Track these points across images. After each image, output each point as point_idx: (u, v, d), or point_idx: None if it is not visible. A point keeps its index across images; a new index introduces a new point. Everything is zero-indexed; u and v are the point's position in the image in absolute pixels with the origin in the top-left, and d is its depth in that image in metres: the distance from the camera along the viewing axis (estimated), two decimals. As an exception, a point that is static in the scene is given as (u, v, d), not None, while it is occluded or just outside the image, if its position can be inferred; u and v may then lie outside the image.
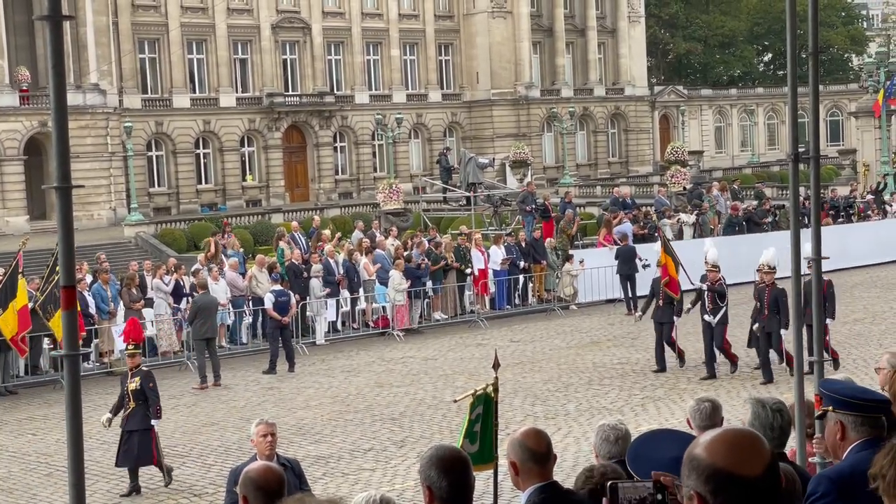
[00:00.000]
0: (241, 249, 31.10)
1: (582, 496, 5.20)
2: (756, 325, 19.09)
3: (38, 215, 50.81)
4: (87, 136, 51.22)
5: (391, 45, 67.36)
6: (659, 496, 3.10)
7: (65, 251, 4.01)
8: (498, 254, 29.12)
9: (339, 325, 26.82)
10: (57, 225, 4.04)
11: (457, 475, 4.49)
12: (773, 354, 19.05)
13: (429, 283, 27.63)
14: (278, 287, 23.54)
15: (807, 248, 21.36)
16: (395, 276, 26.25)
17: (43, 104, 48.96)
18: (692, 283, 20.91)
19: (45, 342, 22.67)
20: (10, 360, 22.03)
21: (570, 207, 36.85)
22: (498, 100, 69.92)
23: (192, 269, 25.96)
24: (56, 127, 4.03)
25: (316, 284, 25.86)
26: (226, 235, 31.13)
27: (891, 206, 40.40)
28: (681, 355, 20.46)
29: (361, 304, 27.25)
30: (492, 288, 28.82)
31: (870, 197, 41.33)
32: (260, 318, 25.06)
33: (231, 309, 25.10)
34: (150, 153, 58.54)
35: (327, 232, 32.62)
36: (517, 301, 29.51)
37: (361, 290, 27.17)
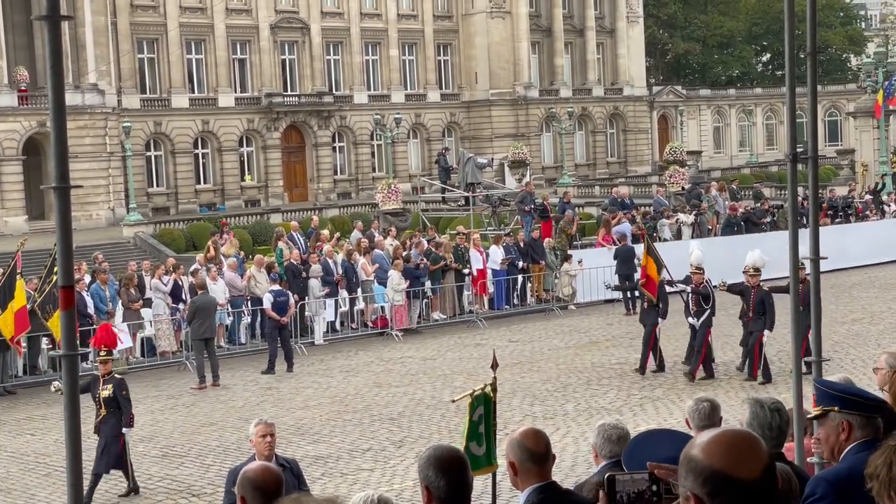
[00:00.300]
0: (242, 253, 31.06)
1: (581, 497, 5.20)
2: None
3: (36, 215, 50.79)
4: (86, 136, 51.19)
5: (390, 45, 67.35)
6: (654, 487, 3.10)
7: (63, 251, 4.01)
8: (498, 254, 29.11)
9: (337, 326, 26.81)
10: (55, 225, 4.04)
11: (455, 475, 4.49)
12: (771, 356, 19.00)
13: (427, 284, 27.63)
14: (277, 287, 23.54)
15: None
16: (394, 276, 26.25)
17: (41, 104, 48.90)
18: (675, 286, 20.84)
19: (44, 342, 22.66)
20: (8, 360, 22.03)
21: (570, 207, 36.86)
22: (496, 100, 69.92)
23: (191, 269, 25.95)
24: (54, 127, 4.03)
25: (315, 284, 25.85)
26: (223, 236, 31.12)
27: (889, 206, 40.42)
28: (661, 362, 20.10)
29: (360, 305, 27.24)
30: (490, 288, 28.82)
31: (868, 197, 41.35)
32: (258, 319, 25.06)
33: (230, 309, 25.10)
34: (148, 153, 58.51)
35: (326, 232, 32.61)
36: (516, 301, 29.52)
37: (360, 291, 27.17)
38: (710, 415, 6.40)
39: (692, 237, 33.94)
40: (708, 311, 19.21)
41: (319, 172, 64.13)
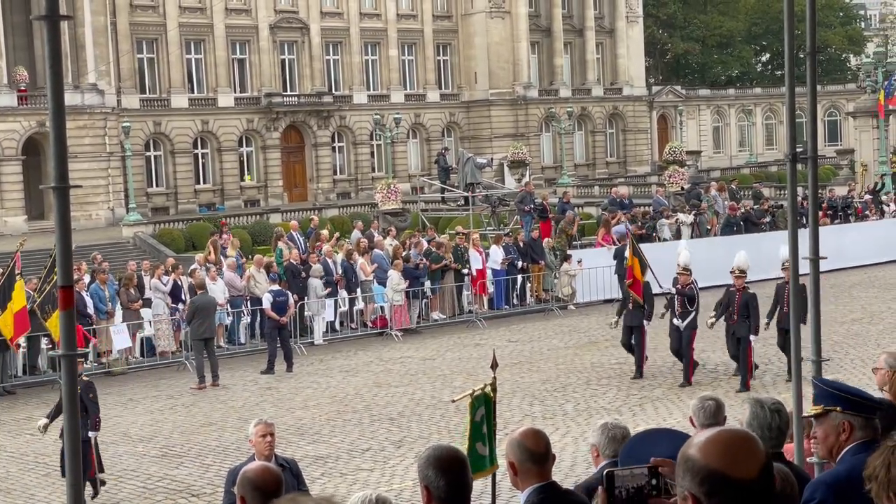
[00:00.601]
0: (242, 260, 31.03)
1: (581, 496, 5.20)
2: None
3: (36, 215, 50.79)
4: (86, 136, 51.19)
5: (389, 45, 67.35)
6: (654, 481, 3.09)
7: (62, 251, 4.01)
8: (498, 253, 29.11)
9: (337, 326, 26.81)
10: (55, 225, 4.04)
11: (454, 475, 4.49)
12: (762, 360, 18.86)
13: (427, 284, 27.63)
14: (276, 287, 23.54)
15: (784, 251, 21.08)
16: (394, 276, 26.25)
17: (41, 104, 48.88)
18: (661, 287, 20.76)
19: (43, 342, 22.65)
20: (7, 360, 22.03)
21: (569, 208, 36.86)
22: (496, 100, 69.91)
23: (190, 269, 25.95)
24: (54, 127, 4.03)
25: (317, 284, 25.83)
26: (224, 235, 31.13)
27: (888, 205, 40.42)
28: (641, 369, 19.82)
29: (359, 304, 27.24)
30: (490, 288, 28.81)
31: (867, 197, 41.36)
32: (258, 319, 25.05)
33: (229, 309, 25.09)
34: (148, 153, 58.51)
35: (325, 232, 32.60)
36: (515, 301, 29.51)
37: (359, 291, 27.16)
38: (715, 413, 6.39)
39: (691, 237, 33.94)
40: (693, 313, 18.92)
41: (319, 172, 64.13)
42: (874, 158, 49.81)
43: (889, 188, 45.38)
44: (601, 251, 30.53)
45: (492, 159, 52.30)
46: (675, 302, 19.19)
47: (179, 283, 25.22)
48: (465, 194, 41.02)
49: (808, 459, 5.95)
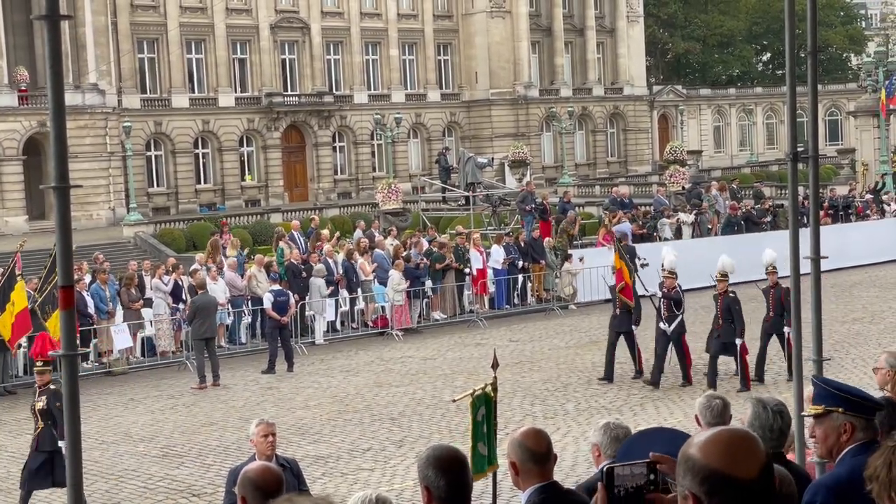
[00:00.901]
0: (245, 250, 31.09)
1: (582, 496, 5.19)
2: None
3: (37, 215, 50.78)
4: (86, 136, 51.19)
5: (390, 44, 67.35)
6: (652, 476, 3.07)
7: (63, 251, 4.00)
8: (499, 253, 29.11)
9: (338, 325, 26.81)
10: (55, 225, 4.03)
11: (454, 475, 4.49)
12: (756, 363, 18.71)
13: (428, 283, 27.63)
14: (277, 287, 23.53)
15: (770, 255, 20.95)
16: (395, 276, 26.25)
17: (42, 104, 48.87)
18: (646, 291, 20.71)
19: (44, 342, 22.63)
20: (8, 359, 22.03)
21: (570, 207, 36.86)
22: (497, 99, 69.92)
23: (191, 268, 25.95)
24: (54, 127, 4.03)
25: (320, 283, 25.83)
26: (223, 236, 31.13)
27: (889, 205, 40.41)
28: (640, 367, 19.69)
29: (360, 304, 27.24)
30: (491, 288, 28.81)
31: (868, 196, 41.34)
32: (259, 318, 25.06)
33: (230, 309, 25.10)
34: (149, 153, 58.52)
35: (326, 232, 32.60)
36: (516, 301, 29.51)
37: (360, 290, 27.17)
38: (722, 412, 6.38)
39: (692, 237, 33.97)
40: (680, 316, 18.78)
41: (320, 172, 64.13)
42: (875, 158, 49.78)
43: (890, 188, 45.35)
44: (602, 251, 30.51)
45: (492, 159, 52.34)
46: (662, 306, 19.05)
47: (180, 282, 25.22)
48: (466, 194, 41.05)
49: (808, 459, 5.95)
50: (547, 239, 30.95)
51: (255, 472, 5.44)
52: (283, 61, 63.51)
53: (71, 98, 47.28)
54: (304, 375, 22.01)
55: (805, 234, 7.77)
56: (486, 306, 28.75)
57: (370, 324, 27.11)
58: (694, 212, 35.57)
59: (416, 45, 69.02)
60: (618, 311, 19.94)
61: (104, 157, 52.74)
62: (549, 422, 16.43)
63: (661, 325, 18.95)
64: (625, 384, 19.33)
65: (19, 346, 21.33)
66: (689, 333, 19.33)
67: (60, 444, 13.35)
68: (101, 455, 16.05)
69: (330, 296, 26.11)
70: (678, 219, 34.81)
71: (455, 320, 27.70)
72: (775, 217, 35.56)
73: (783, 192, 46.72)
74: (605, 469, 3.09)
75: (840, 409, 4.48)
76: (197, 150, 60.42)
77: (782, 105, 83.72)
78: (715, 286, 18.93)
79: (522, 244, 29.80)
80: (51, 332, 17.05)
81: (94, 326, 23.27)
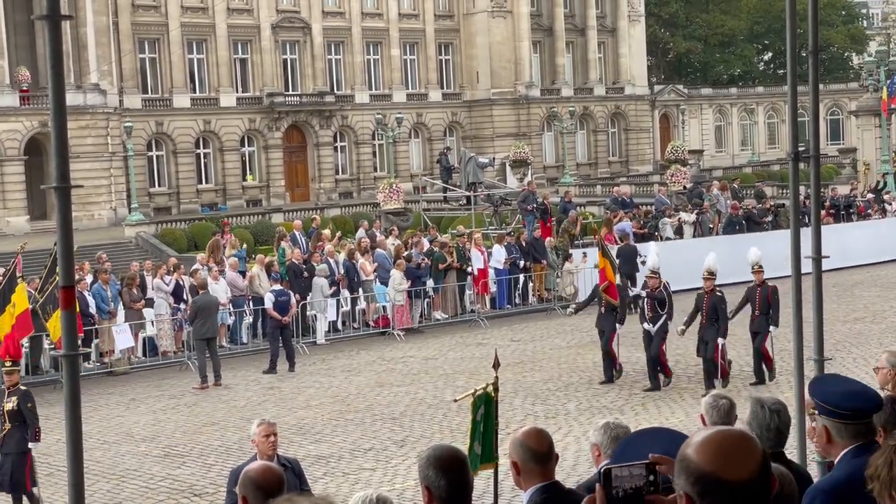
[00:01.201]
0: (245, 246, 31.09)
1: (584, 496, 5.18)
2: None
3: (38, 215, 50.79)
4: (88, 136, 51.22)
5: (391, 44, 67.37)
6: (651, 477, 3.06)
7: (64, 251, 4.01)
8: (501, 253, 29.11)
9: (339, 325, 26.82)
10: (56, 225, 4.04)
11: (455, 475, 4.49)
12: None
13: (429, 283, 27.63)
14: (278, 287, 23.54)
15: (755, 253, 20.83)
16: (396, 275, 26.25)
17: (43, 104, 48.89)
18: (632, 291, 20.63)
19: (46, 342, 22.65)
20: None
21: (571, 207, 36.87)
22: (498, 99, 69.93)
23: (192, 268, 25.96)
24: (55, 127, 4.03)
25: (322, 283, 25.84)
26: (224, 237, 31.15)
27: (890, 204, 40.39)
28: (619, 368, 19.57)
29: (361, 304, 27.25)
30: (492, 287, 28.81)
31: (870, 196, 41.33)
32: (260, 318, 25.07)
33: (231, 309, 25.11)
34: (150, 153, 58.55)
35: (327, 232, 32.61)
36: (517, 300, 29.50)
37: (361, 290, 27.17)
38: (728, 412, 6.36)
39: (694, 236, 33.95)
40: (664, 316, 18.66)
41: (321, 172, 64.16)
42: (876, 157, 49.75)
43: (891, 187, 45.32)
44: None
45: (494, 159, 52.37)
46: (646, 305, 18.98)
47: (182, 282, 25.23)
48: (468, 194, 41.06)
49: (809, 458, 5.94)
50: (548, 239, 30.95)
51: (257, 471, 5.44)
52: (285, 61, 63.53)
53: (72, 98, 47.31)
54: (305, 375, 22.01)
55: (806, 234, 7.77)
56: (488, 306, 28.75)
57: (371, 323, 27.11)
58: (695, 211, 35.57)
59: (418, 45, 69.03)
60: (602, 309, 19.91)
61: (105, 157, 52.77)
62: (551, 421, 16.43)
63: (645, 325, 18.88)
64: (626, 384, 19.32)
65: (21, 345, 21.27)
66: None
67: (31, 445, 13.31)
68: (102, 455, 16.06)
69: (331, 296, 26.12)
70: (679, 218, 34.81)
71: (456, 320, 27.70)
72: (777, 216, 35.55)
73: (784, 191, 46.69)
74: (602, 470, 3.08)
75: (816, 412, 4.50)
76: (198, 150, 60.45)
77: (784, 104, 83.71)
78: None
79: (524, 244, 29.79)
80: (51, 333, 17.04)
81: (96, 326, 23.28)
